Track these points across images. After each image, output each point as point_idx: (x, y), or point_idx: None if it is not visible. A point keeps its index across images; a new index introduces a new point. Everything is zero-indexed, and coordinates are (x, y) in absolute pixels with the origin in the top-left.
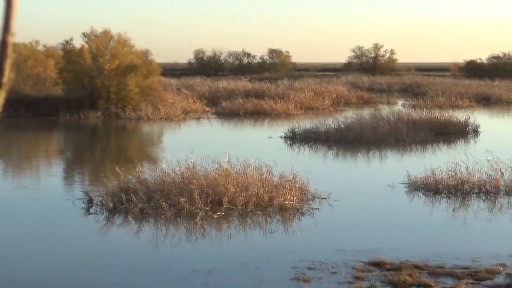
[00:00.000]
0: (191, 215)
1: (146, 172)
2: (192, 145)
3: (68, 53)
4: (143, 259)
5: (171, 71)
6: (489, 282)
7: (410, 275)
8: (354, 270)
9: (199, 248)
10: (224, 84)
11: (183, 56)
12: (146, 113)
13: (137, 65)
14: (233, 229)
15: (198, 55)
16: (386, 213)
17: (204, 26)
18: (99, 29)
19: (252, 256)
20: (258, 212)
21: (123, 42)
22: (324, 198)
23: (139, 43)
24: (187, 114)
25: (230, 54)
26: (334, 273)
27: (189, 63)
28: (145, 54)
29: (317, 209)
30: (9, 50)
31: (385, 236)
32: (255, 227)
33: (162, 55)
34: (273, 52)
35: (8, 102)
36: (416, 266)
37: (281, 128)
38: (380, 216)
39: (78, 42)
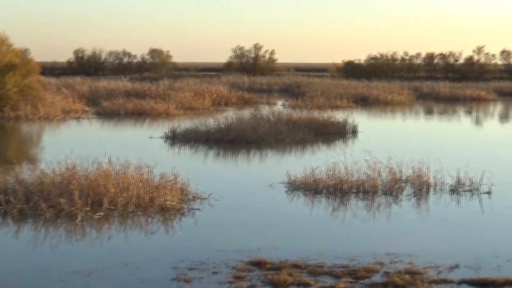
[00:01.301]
0: (71, 216)
1: (25, 172)
2: (72, 145)
3: None
4: (22, 261)
5: (51, 70)
6: (367, 281)
7: (290, 275)
8: (235, 270)
9: (79, 249)
10: (105, 83)
11: (63, 55)
12: (25, 112)
13: (15, 64)
14: (114, 229)
15: (78, 54)
16: (267, 213)
17: (84, 24)
18: None
19: (132, 257)
20: (139, 213)
21: (1, 41)
22: (205, 198)
23: (17, 41)
24: (67, 114)
25: (110, 53)
26: (215, 273)
27: (69, 62)
28: (24, 53)
29: (198, 209)
30: None
31: (265, 236)
32: (136, 227)
33: (41, 54)
34: (154, 52)
35: None
36: (296, 265)
37: (161, 128)
38: (260, 215)
39: None
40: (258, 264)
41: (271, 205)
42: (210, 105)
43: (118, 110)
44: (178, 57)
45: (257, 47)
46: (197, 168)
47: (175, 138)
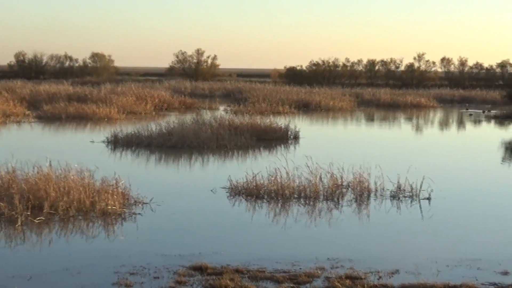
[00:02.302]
0: (11, 220)
1: None
2: (13, 149)
3: None
4: None
5: None
6: (308, 286)
7: (231, 280)
8: (176, 274)
9: (19, 254)
10: (46, 87)
11: (4, 58)
12: None
13: None
14: (54, 234)
15: (19, 58)
16: (208, 218)
17: (25, 28)
18: None
19: (73, 261)
20: (80, 217)
21: None
22: (146, 203)
23: None
24: (7, 118)
25: (52, 57)
26: (156, 278)
27: (10, 65)
28: None
29: (139, 214)
30: None
31: (207, 241)
32: (77, 232)
33: None
34: (96, 56)
35: None
36: (237, 270)
37: (103, 133)
38: (202, 220)
39: None
40: (200, 269)
41: (212, 210)
42: (152, 110)
43: (59, 114)
44: (120, 61)
45: (199, 53)
46: (138, 172)
47: (116, 143)
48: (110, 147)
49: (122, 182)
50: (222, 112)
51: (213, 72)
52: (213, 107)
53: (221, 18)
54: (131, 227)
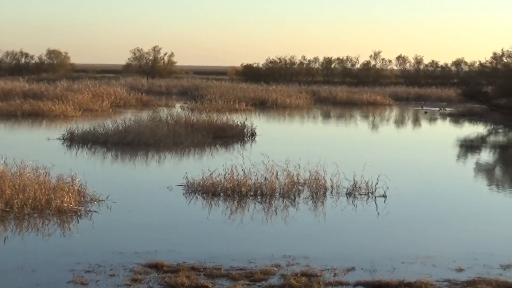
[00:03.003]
0: None
1: None
2: None
3: None
4: None
5: None
6: (264, 283)
7: (187, 277)
8: (132, 272)
9: None
10: (1, 84)
11: None
12: None
13: None
14: (9, 232)
15: None
16: (165, 215)
17: None
18: None
19: (28, 259)
20: (35, 215)
21: None
22: (102, 201)
23: None
24: None
25: (7, 53)
26: (112, 275)
27: None
28: None
29: (95, 211)
30: None
31: (163, 238)
32: (32, 229)
33: None
34: (52, 53)
35: None
36: (193, 268)
37: (59, 130)
38: (158, 218)
39: None
40: (156, 267)
41: (169, 207)
42: (108, 107)
43: (14, 111)
44: (77, 58)
45: (156, 50)
46: (95, 170)
47: (72, 140)
48: (66, 144)
49: (78, 179)
50: (178, 109)
51: (170, 70)
52: (169, 105)
53: (178, 15)
54: (87, 224)
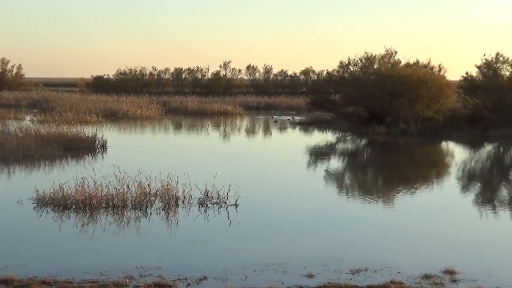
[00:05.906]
0: None
1: None
2: None
3: None
4: None
5: None
6: None
7: None
8: None
9: None
10: None
11: None
12: None
13: None
14: None
15: None
16: (14, 230)
17: None
18: None
19: None
20: None
21: None
22: None
23: None
24: None
25: None
26: None
27: None
28: None
29: None
30: None
31: (13, 253)
32: None
33: None
34: None
35: None
36: (44, 282)
37: None
38: (8, 232)
39: None
40: (6, 282)
41: (19, 221)
42: None
43: None
44: None
45: (3, 62)
46: None
47: None
48: None
49: None
50: (28, 122)
51: (18, 82)
52: (18, 117)
53: (26, 26)
54: None
